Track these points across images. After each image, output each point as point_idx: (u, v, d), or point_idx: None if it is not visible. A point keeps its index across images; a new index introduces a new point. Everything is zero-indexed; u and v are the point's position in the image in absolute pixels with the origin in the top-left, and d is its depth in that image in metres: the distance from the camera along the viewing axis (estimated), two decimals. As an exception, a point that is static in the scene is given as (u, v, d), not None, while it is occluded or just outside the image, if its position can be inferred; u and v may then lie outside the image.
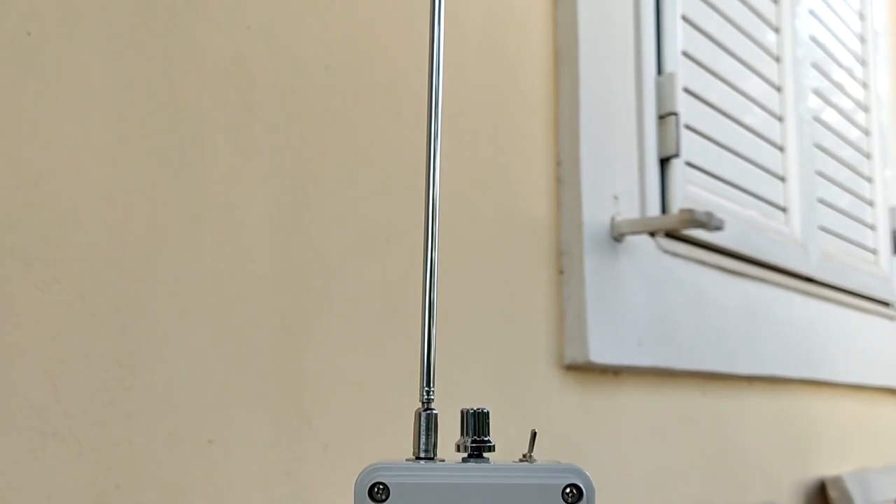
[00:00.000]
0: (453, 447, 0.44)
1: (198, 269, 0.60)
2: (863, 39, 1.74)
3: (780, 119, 1.38)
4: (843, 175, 1.58)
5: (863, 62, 1.73)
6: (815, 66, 1.51)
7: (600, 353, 0.91)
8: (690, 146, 1.12)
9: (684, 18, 1.14)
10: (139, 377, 0.56)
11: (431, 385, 0.45)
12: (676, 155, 1.05)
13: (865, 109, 1.72)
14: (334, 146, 0.70)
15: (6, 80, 0.52)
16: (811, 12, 1.51)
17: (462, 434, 0.44)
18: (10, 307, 0.51)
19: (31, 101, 0.53)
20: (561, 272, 0.92)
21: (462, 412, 0.44)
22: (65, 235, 0.54)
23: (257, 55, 0.65)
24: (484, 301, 0.83)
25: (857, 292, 1.57)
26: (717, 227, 0.99)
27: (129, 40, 0.58)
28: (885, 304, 1.70)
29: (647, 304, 1.00)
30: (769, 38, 1.37)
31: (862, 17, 1.74)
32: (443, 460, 0.44)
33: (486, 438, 0.43)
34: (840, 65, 1.62)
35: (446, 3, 0.50)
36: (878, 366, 1.63)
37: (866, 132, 1.71)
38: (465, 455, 0.43)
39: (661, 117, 1.06)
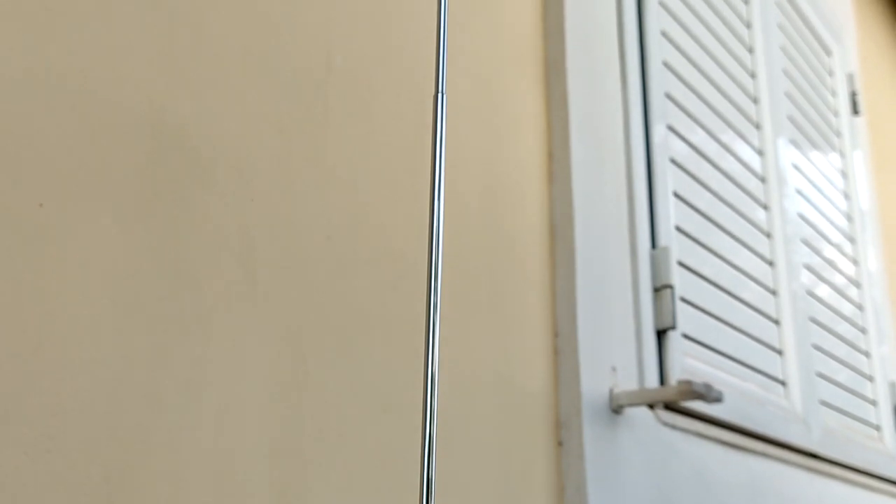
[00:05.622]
0: None
1: (193, 441, 0.59)
2: (850, 218, 1.78)
3: (774, 293, 1.40)
4: (841, 350, 1.58)
5: (851, 240, 1.77)
6: (806, 242, 1.54)
7: (602, 529, 0.89)
8: (687, 319, 1.13)
9: (676, 195, 1.18)
10: (127, 551, 0.55)
11: (430, 557, 0.44)
12: (673, 327, 1.06)
13: (857, 285, 1.74)
14: (334, 315, 0.70)
15: (17, 250, 0.53)
16: (798, 191, 1.55)
17: None
18: None
19: (37, 270, 0.54)
20: (560, 444, 0.90)
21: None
22: (61, 404, 0.53)
23: (260, 226, 0.67)
24: (482, 473, 0.81)
25: (863, 469, 1.54)
26: (717, 399, 0.98)
27: (136, 210, 0.59)
28: (893, 482, 1.66)
29: (647, 478, 0.98)
30: (759, 215, 1.41)
31: (847, 196, 1.79)
32: None
33: None
34: (830, 242, 1.65)
35: (445, 177, 0.52)
36: (890, 547, 1.57)
37: (860, 307, 1.72)
38: None
39: (657, 290, 1.07)
